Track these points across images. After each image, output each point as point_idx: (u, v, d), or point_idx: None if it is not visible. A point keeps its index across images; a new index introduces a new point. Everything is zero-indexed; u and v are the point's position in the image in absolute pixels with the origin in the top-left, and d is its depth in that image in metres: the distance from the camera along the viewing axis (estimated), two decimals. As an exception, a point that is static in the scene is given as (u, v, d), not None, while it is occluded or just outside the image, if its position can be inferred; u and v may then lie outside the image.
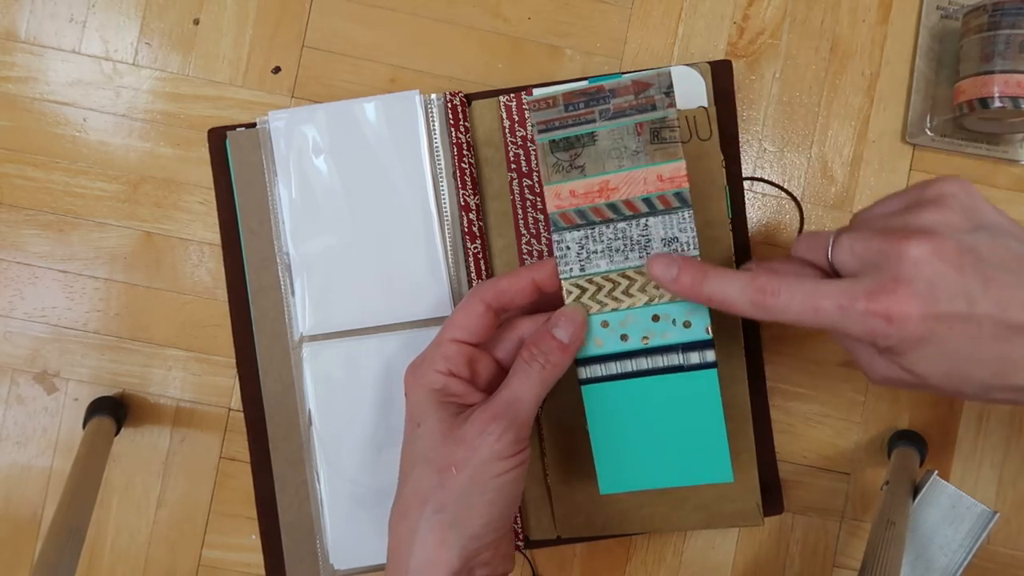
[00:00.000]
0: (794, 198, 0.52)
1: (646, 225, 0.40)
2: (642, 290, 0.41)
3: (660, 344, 0.41)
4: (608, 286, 0.41)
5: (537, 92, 0.40)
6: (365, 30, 0.52)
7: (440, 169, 0.49)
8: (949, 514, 0.48)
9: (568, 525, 0.49)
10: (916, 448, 0.50)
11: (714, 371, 0.41)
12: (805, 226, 0.52)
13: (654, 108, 0.39)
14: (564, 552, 0.52)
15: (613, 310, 0.41)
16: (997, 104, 0.47)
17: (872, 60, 0.52)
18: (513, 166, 0.49)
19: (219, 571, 0.52)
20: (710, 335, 0.41)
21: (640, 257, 0.41)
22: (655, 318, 0.41)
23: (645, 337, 0.41)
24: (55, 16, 0.52)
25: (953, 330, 0.34)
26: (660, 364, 0.41)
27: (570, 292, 0.41)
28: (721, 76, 0.50)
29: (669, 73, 0.39)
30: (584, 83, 0.40)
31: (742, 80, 0.52)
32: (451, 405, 0.40)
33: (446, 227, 0.49)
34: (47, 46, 0.52)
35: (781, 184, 0.52)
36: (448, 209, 0.49)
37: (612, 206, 0.40)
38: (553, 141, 0.40)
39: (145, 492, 0.52)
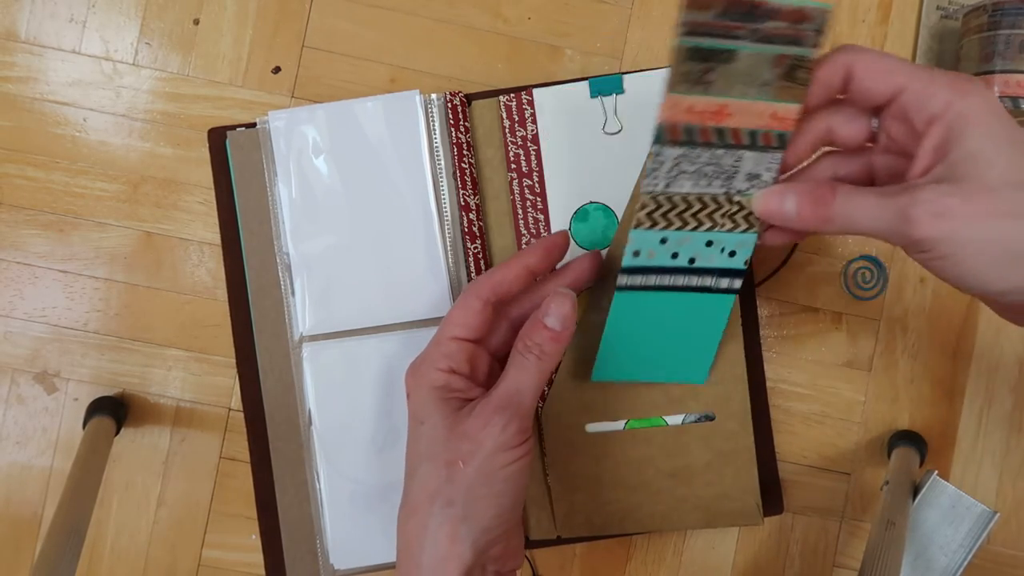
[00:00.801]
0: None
1: (741, 157, 0.40)
2: (709, 216, 0.42)
3: (704, 266, 0.43)
4: (682, 207, 0.42)
5: None
6: (365, 30, 0.52)
7: (440, 169, 0.49)
8: (949, 514, 0.48)
9: (568, 525, 0.49)
10: (916, 448, 0.50)
11: (734, 296, 0.45)
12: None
13: (801, 43, 0.37)
14: (564, 552, 0.52)
15: (678, 229, 0.42)
16: (997, 104, 0.47)
17: (872, 60, 0.52)
18: (513, 166, 0.49)
19: (219, 571, 0.52)
20: (746, 267, 0.43)
21: (722, 186, 0.41)
22: (708, 243, 0.43)
23: (692, 259, 0.43)
24: (55, 16, 0.52)
25: None
26: (694, 283, 0.44)
27: (646, 206, 0.41)
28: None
29: (829, 11, 0.37)
30: None
31: (742, 80, 0.52)
32: (453, 401, 0.40)
33: (446, 227, 0.49)
34: (47, 46, 0.52)
35: (781, 184, 0.52)
36: (448, 209, 0.49)
37: (719, 131, 0.40)
38: (694, 48, 0.37)
39: (145, 492, 0.52)
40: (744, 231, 0.42)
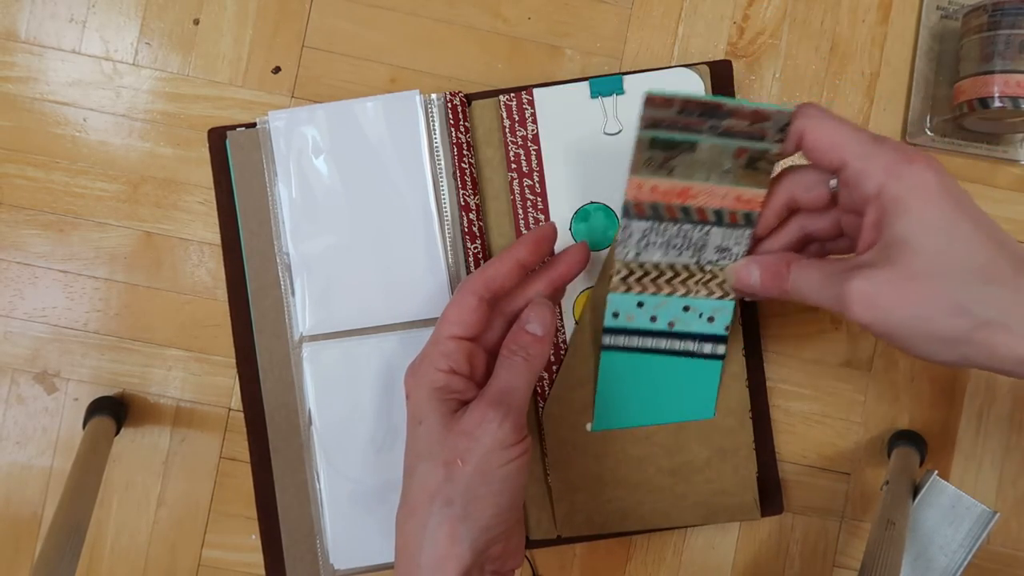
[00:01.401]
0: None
1: (708, 232, 0.43)
2: (682, 283, 0.45)
3: (683, 331, 0.46)
4: (654, 273, 0.44)
5: (659, 91, 0.39)
6: (365, 30, 0.52)
7: (440, 169, 0.49)
8: (949, 514, 0.48)
9: (568, 525, 0.49)
10: (916, 448, 0.50)
11: (720, 363, 0.47)
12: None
13: (762, 139, 0.40)
14: (564, 552, 0.52)
15: (653, 294, 0.45)
16: (997, 104, 0.47)
17: (872, 60, 0.52)
18: (513, 166, 0.49)
19: (219, 571, 0.52)
20: (727, 332, 0.46)
21: (691, 256, 0.44)
22: (686, 308, 0.45)
23: (672, 323, 0.46)
24: (55, 16, 0.52)
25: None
26: (677, 347, 0.46)
27: (619, 272, 0.44)
28: (720, 77, 0.50)
29: (790, 115, 0.39)
30: (707, 95, 0.41)
31: (742, 80, 0.52)
32: (451, 401, 0.40)
33: (446, 227, 0.49)
34: (47, 46, 0.52)
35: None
36: (448, 209, 0.49)
37: (685, 209, 0.42)
38: (655, 139, 0.40)
39: (145, 492, 0.52)
40: (720, 298, 0.45)
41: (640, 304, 0.45)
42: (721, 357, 0.47)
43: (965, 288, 0.35)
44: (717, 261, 0.44)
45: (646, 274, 0.44)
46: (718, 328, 0.46)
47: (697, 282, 0.44)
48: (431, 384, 0.40)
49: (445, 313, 0.42)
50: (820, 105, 0.40)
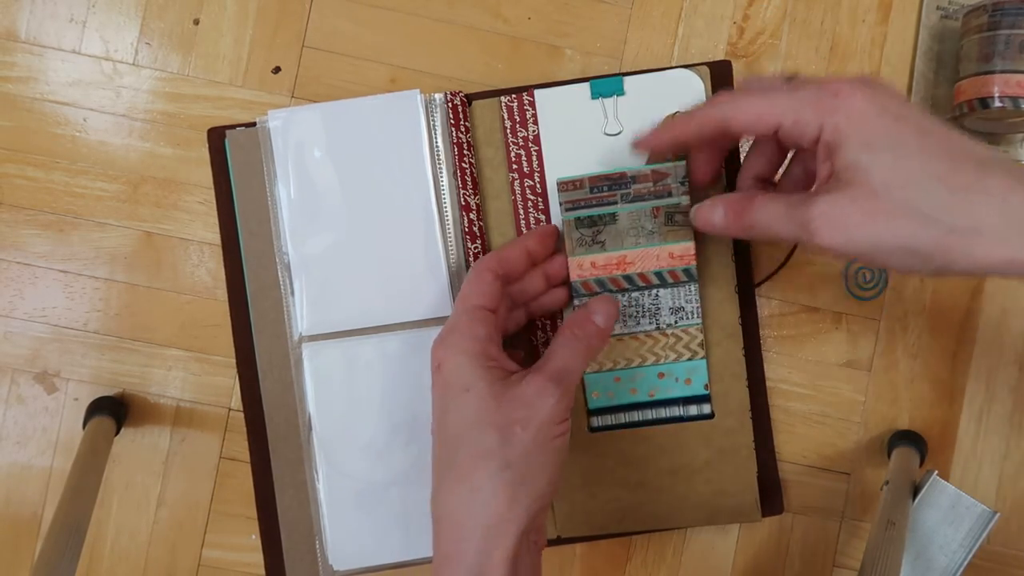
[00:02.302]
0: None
1: (657, 295, 0.47)
2: (651, 351, 0.48)
3: (664, 398, 0.48)
4: (620, 347, 0.47)
5: (566, 176, 0.46)
6: (365, 30, 0.52)
7: (441, 169, 0.49)
8: (949, 514, 0.48)
9: (568, 525, 0.49)
10: (916, 448, 0.50)
11: (709, 422, 0.48)
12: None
13: (670, 195, 0.45)
14: (564, 552, 0.52)
15: (624, 367, 0.48)
16: (997, 104, 0.47)
17: (872, 60, 0.52)
18: (514, 166, 0.49)
19: (219, 571, 0.52)
20: (707, 391, 0.48)
21: (650, 323, 0.47)
22: (660, 375, 0.48)
23: (651, 392, 0.48)
24: (55, 16, 0.52)
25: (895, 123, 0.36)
26: (663, 415, 0.48)
27: None
28: (720, 77, 0.50)
29: (685, 164, 0.45)
30: (608, 169, 0.45)
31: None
32: (496, 370, 0.40)
33: (447, 227, 0.49)
34: (47, 46, 0.52)
35: (781, 184, 0.52)
36: (448, 209, 0.49)
37: (628, 278, 0.46)
38: (579, 219, 0.46)
39: (145, 492, 0.52)
40: (689, 359, 0.47)
41: (617, 379, 0.48)
42: (708, 416, 0.48)
43: (927, 197, 0.35)
44: (676, 323, 0.47)
45: (612, 348, 0.47)
46: (697, 388, 0.48)
47: (664, 347, 0.47)
48: (470, 351, 0.40)
49: (465, 289, 0.43)
50: (727, 89, 0.41)
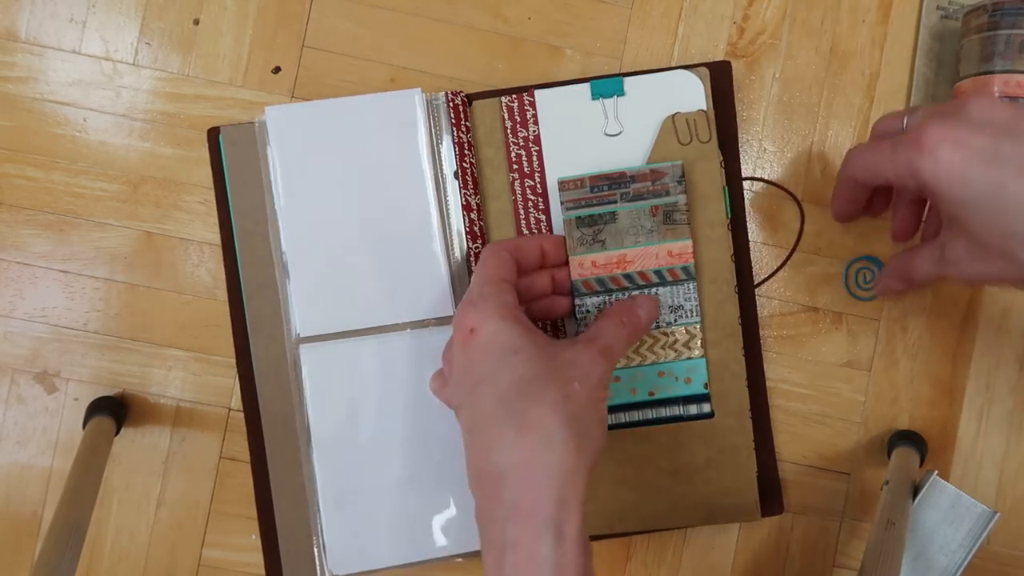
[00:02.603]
0: (794, 197, 0.52)
1: (656, 294, 0.47)
2: (651, 350, 0.48)
3: (664, 397, 0.48)
4: None
5: (568, 175, 0.46)
6: (365, 30, 0.52)
7: (442, 168, 0.49)
8: (949, 514, 0.48)
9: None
10: (916, 448, 0.50)
11: (709, 422, 0.48)
12: (805, 226, 0.52)
13: (668, 194, 0.46)
14: (564, 552, 0.52)
15: (624, 367, 0.48)
16: (997, 104, 0.47)
17: (872, 60, 0.52)
18: (515, 166, 0.49)
19: (219, 571, 0.52)
20: (707, 390, 0.48)
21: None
22: (660, 374, 0.48)
23: (652, 391, 0.48)
24: (55, 16, 0.52)
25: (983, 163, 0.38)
26: (663, 414, 0.48)
27: None
28: (720, 77, 0.50)
29: (682, 165, 0.46)
30: (608, 168, 0.46)
31: (742, 80, 0.52)
32: (535, 334, 0.41)
33: (447, 226, 0.49)
34: (47, 46, 0.52)
35: (781, 184, 0.52)
36: (449, 208, 0.49)
37: (628, 276, 0.47)
38: (579, 218, 0.46)
39: (145, 492, 0.52)
40: (688, 358, 0.48)
41: (617, 379, 0.48)
42: (708, 416, 0.48)
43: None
44: (675, 321, 0.47)
45: None
46: (697, 388, 0.48)
47: (663, 346, 0.47)
48: (506, 316, 0.40)
49: (484, 264, 0.43)
50: (862, 144, 0.45)
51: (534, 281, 0.47)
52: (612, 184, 0.46)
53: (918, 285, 0.46)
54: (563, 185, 0.46)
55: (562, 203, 0.46)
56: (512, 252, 0.44)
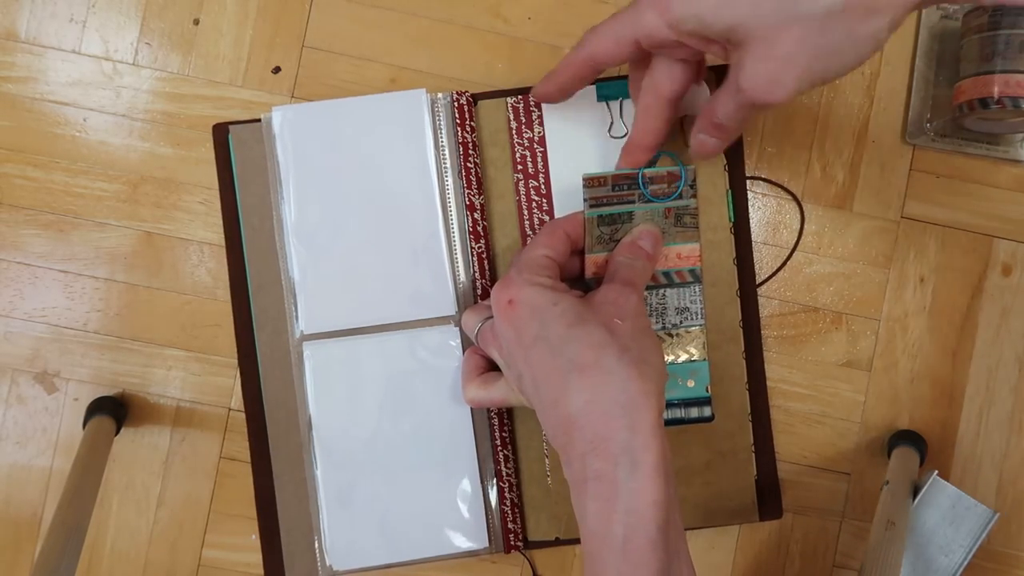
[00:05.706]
0: (795, 197, 0.52)
1: (664, 295, 0.47)
2: None
3: (666, 399, 0.47)
4: None
5: (592, 172, 0.46)
6: (365, 30, 0.52)
7: (446, 168, 0.49)
8: (949, 514, 0.48)
9: (568, 525, 0.49)
10: (916, 448, 0.50)
11: (709, 425, 0.48)
12: (805, 226, 0.52)
13: (680, 197, 0.46)
14: (564, 552, 0.52)
15: None
16: (997, 104, 0.47)
17: (872, 60, 0.52)
18: (519, 167, 0.49)
19: (219, 571, 0.52)
20: (708, 393, 0.47)
21: (656, 323, 0.47)
22: None
23: None
24: (55, 16, 0.51)
25: None
26: (664, 417, 0.46)
27: None
28: (722, 79, 0.50)
29: (694, 169, 0.47)
30: (630, 169, 0.46)
31: (742, 80, 0.52)
32: (570, 294, 0.42)
33: (450, 226, 0.49)
34: (47, 46, 0.52)
35: (781, 184, 0.52)
36: (452, 208, 0.49)
37: None
38: (600, 216, 0.46)
39: (145, 492, 0.52)
40: (692, 360, 0.47)
41: None
42: (708, 419, 0.47)
43: None
44: (681, 323, 0.47)
45: None
46: (699, 390, 0.47)
47: (668, 347, 0.47)
48: (542, 284, 0.42)
49: (537, 240, 0.45)
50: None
51: (575, 266, 0.47)
52: (632, 184, 0.46)
53: (728, 130, 0.43)
54: (587, 181, 0.46)
55: (585, 200, 0.46)
56: (572, 233, 0.45)
